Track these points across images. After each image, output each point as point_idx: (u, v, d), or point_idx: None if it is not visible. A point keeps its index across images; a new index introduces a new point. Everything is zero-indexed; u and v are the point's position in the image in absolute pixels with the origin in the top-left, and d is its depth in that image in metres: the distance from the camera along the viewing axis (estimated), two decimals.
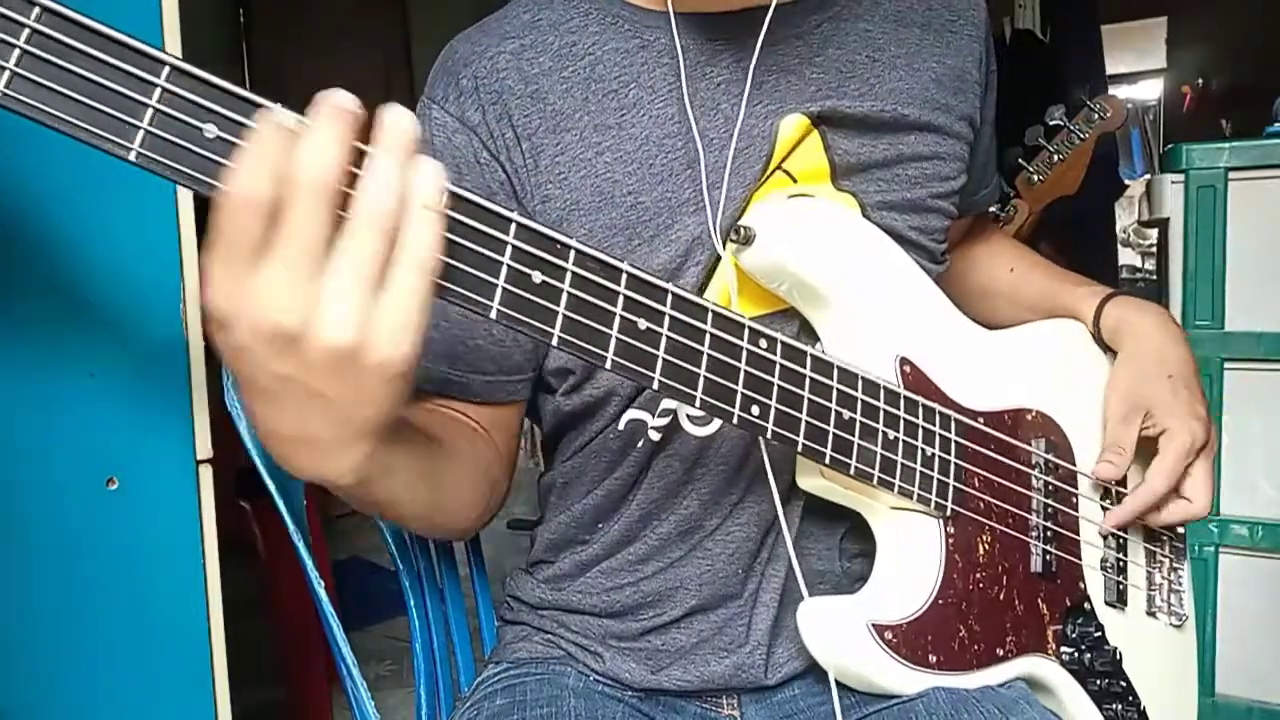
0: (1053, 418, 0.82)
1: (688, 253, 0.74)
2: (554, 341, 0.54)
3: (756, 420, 0.63)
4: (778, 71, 0.76)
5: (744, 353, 0.62)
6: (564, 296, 0.55)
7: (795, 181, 0.76)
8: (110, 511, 0.82)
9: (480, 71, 0.75)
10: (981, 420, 0.77)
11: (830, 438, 0.67)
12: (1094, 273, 0.98)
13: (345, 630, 0.77)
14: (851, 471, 0.69)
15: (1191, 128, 4.98)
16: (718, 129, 0.74)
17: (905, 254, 0.77)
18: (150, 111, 0.45)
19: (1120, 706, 0.80)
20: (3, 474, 0.78)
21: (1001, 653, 0.76)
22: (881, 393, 0.70)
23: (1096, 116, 1.98)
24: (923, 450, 0.72)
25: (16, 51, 0.43)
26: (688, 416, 0.77)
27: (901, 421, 0.71)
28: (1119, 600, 0.84)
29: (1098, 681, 0.80)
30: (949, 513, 0.74)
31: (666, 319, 0.58)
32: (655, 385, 0.58)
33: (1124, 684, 0.81)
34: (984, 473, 0.76)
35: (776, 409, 0.64)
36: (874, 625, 0.70)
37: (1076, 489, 0.83)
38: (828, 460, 0.67)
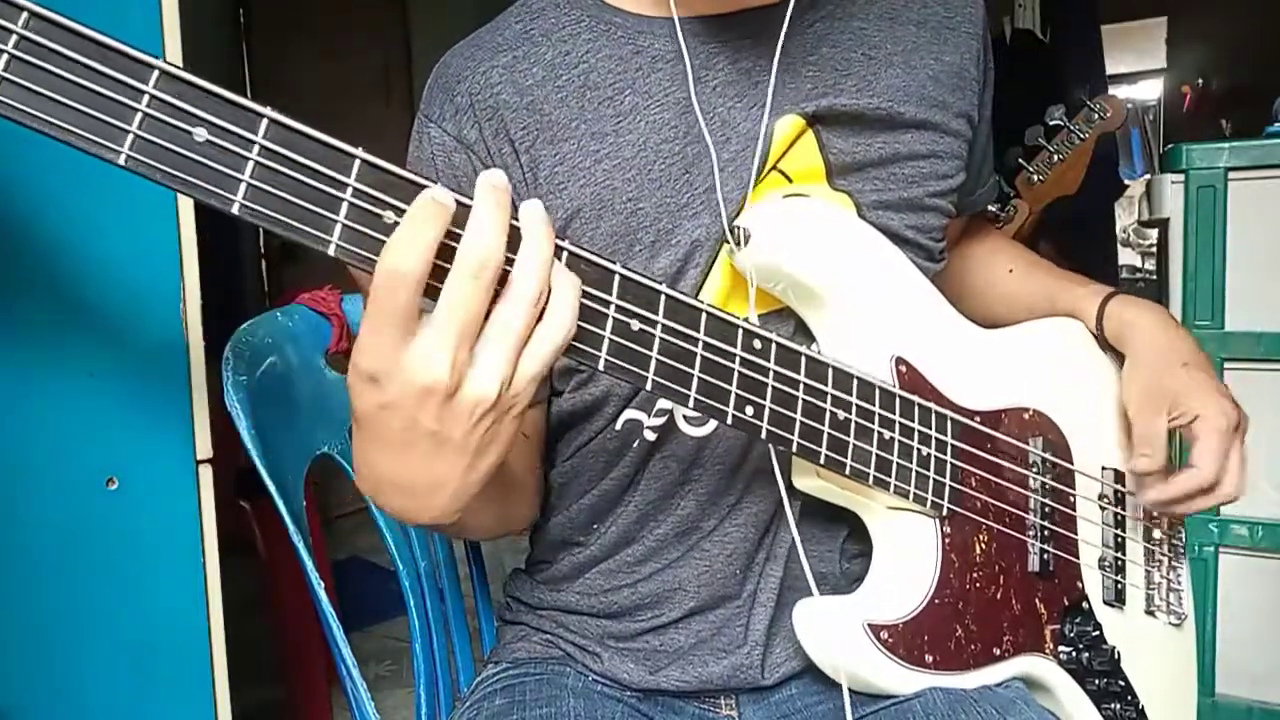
0: (1050, 416, 0.82)
1: (688, 256, 0.75)
2: None
3: (751, 420, 0.63)
4: (772, 72, 0.76)
5: (738, 353, 0.62)
6: None
7: (791, 181, 0.76)
8: (110, 511, 0.83)
9: (474, 87, 0.75)
10: (978, 420, 0.77)
11: (825, 437, 0.67)
12: (1094, 273, 0.98)
13: (345, 630, 0.77)
14: (847, 471, 0.69)
15: (1191, 128, 4.98)
16: (715, 132, 0.74)
17: (901, 253, 0.77)
18: (139, 116, 0.45)
19: (1119, 706, 0.80)
20: (3, 474, 0.78)
21: (999, 652, 0.76)
22: (877, 392, 0.70)
23: (1096, 116, 1.98)
24: (919, 450, 0.72)
25: (4, 56, 0.43)
26: (684, 417, 0.77)
27: (897, 421, 0.71)
28: (1117, 599, 0.84)
29: (1096, 681, 0.80)
30: (945, 512, 0.74)
31: (660, 319, 0.59)
32: (649, 386, 0.58)
33: (1122, 683, 0.81)
34: (980, 472, 0.76)
35: (771, 409, 0.64)
36: (870, 625, 0.71)
37: (1074, 488, 0.83)
38: (823, 460, 0.67)
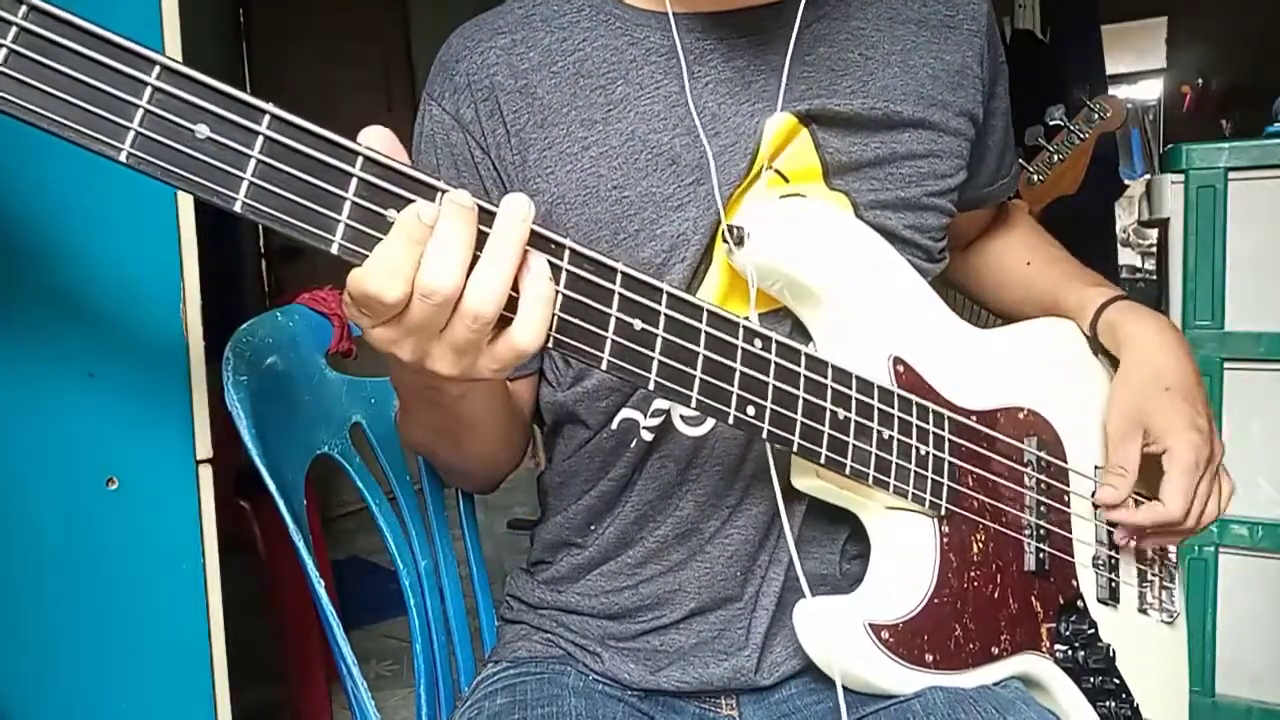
0: (1044, 416, 0.83)
1: (673, 248, 0.75)
2: (549, 344, 0.55)
3: (752, 421, 0.63)
4: (767, 71, 0.76)
5: (739, 352, 0.62)
6: (559, 298, 0.55)
7: (787, 181, 0.76)
8: (110, 511, 0.83)
9: (472, 68, 0.77)
10: (974, 419, 0.77)
11: (825, 437, 0.67)
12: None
13: (345, 630, 0.77)
14: (847, 471, 0.69)
15: (1191, 128, 4.98)
16: (705, 126, 0.75)
17: (897, 253, 0.77)
18: (141, 112, 0.44)
19: (1113, 704, 0.80)
20: (3, 474, 0.78)
21: (996, 651, 0.76)
22: (875, 392, 0.70)
23: (1096, 116, 1.98)
24: (917, 449, 0.72)
25: (4, 50, 0.42)
26: (681, 417, 0.77)
27: (895, 420, 0.71)
28: (1111, 598, 0.84)
29: (1091, 679, 0.80)
30: (943, 511, 0.74)
31: (661, 319, 0.59)
32: (651, 386, 0.59)
33: (1117, 681, 0.81)
34: (977, 471, 0.77)
35: (772, 409, 0.64)
36: (870, 625, 0.71)
37: (1069, 487, 0.83)
38: (823, 460, 0.67)
